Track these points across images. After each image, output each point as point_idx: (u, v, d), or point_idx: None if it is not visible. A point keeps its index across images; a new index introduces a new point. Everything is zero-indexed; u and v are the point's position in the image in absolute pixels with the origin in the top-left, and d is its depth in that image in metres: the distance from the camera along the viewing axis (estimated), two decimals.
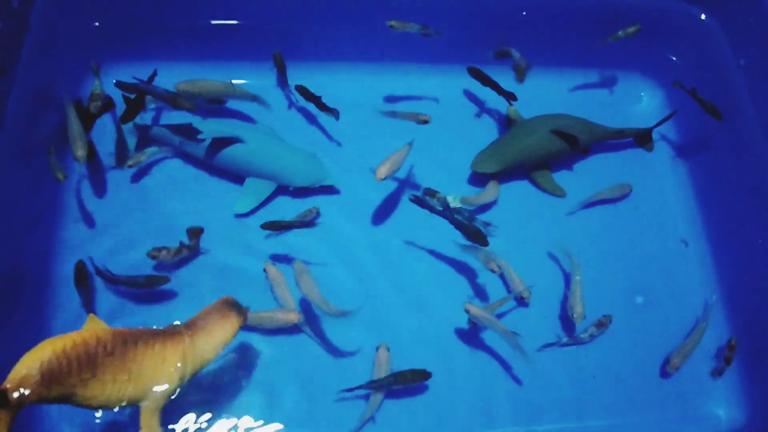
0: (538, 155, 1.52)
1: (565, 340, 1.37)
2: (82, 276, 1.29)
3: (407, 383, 1.25)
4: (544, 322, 1.40)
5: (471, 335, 1.36)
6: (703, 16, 1.62)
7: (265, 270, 1.34)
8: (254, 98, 1.49)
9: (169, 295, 1.33)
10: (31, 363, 0.85)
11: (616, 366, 1.39)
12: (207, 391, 1.27)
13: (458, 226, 1.29)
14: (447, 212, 1.30)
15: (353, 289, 1.38)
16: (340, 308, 1.26)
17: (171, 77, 1.49)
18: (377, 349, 1.29)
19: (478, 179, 1.53)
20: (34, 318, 1.28)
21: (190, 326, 1.01)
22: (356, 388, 1.25)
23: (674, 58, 1.69)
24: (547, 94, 1.65)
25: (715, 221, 1.56)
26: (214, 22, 1.54)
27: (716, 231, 1.55)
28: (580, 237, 1.50)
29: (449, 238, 1.44)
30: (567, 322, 1.40)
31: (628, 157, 1.63)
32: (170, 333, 0.98)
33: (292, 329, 1.31)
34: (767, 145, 1.47)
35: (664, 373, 1.39)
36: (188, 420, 1.24)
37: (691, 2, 1.61)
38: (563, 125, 1.53)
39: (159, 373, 0.95)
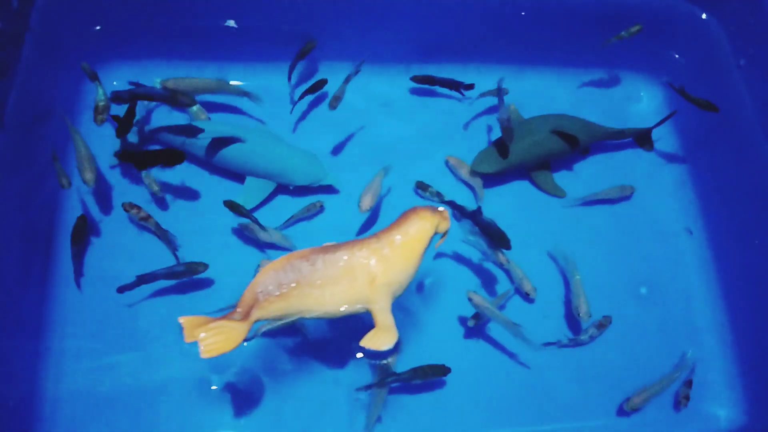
0: (538, 155, 1.52)
1: (564, 341, 1.37)
2: (81, 234, 1.32)
3: (426, 378, 1.26)
4: (545, 321, 1.40)
5: (471, 336, 1.36)
6: (703, 16, 1.62)
7: (259, 266, 1.35)
8: (245, 94, 1.50)
9: (169, 296, 1.34)
10: (255, 286, 0.96)
11: (616, 366, 1.39)
12: (204, 389, 1.27)
13: (485, 228, 1.32)
14: (475, 214, 1.33)
15: None
16: None
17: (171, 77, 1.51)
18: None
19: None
20: (33, 317, 1.29)
21: (384, 230, 1.04)
22: (374, 384, 1.26)
23: (675, 58, 1.68)
24: (547, 94, 1.65)
25: (715, 221, 1.55)
26: (213, 23, 1.54)
27: (716, 231, 1.55)
28: (580, 237, 1.50)
29: (449, 239, 1.44)
30: (567, 321, 1.41)
31: (628, 157, 1.63)
32: (366, 239, 1.02)
33: (292, 330, 1.32)
34: (767, 144, 1.47)
35: (665, 373, 1.39)
36: (178, 417, 1.24)
37: (692, 2, 1.61)
38: (563, 125, 1.53)
39: (358, 273, 0.99)
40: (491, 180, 1.54)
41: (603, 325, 1.38)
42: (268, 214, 1.43)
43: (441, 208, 1.04)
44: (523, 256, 1.43)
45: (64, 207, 1.39)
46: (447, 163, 1.53)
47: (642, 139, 1.64)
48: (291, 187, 1.44)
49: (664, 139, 1.66)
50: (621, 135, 1.60)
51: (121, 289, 1.28)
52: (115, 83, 1.53)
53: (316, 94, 1.54)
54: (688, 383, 1.34)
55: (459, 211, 1.33)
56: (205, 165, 1.47)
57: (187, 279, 1.32)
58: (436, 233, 1.02)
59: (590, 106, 1.65)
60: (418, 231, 1.01)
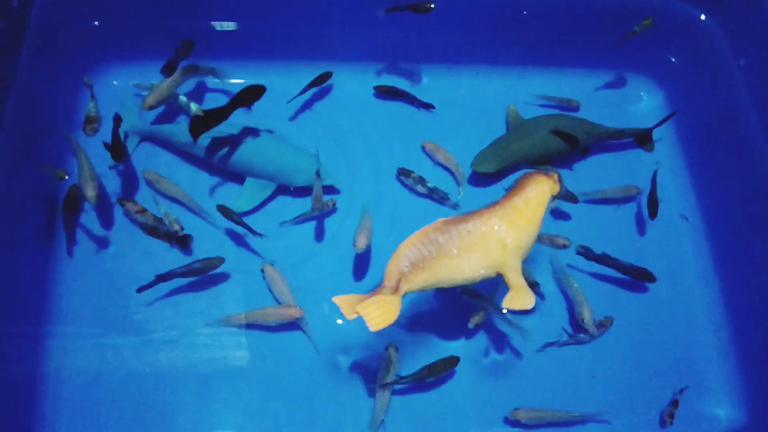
0: (538, 155, 1.52)
1: (564, 339, 1.37)
2: (74, 202, 1.35)
3: (441, 374, 1.27)
4: (546, 321, 1.40)
5: (471, 336, 1.36)
6: (703, 17, 1.62)
7: (262, 270, 1.35)
8: (212, 71, 1.50)
9: (169, 296, 1.34)
10: (398, 261, 1.03)
11: (616, 366, 1.39)
12: (205, 389, 1.27)
13: (624, 269, 1.40)
14: (611, 260, 1.40)
15: (353, 289, 1.38)
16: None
17: None
18: (386, 348, 1.29)
19: (479, 179, 1.53)
20: (33, 316, 1.29)
21: (505, 197, 1.11)
22: (392, 383, 1.26)
23: (674, 59, 1.69)
24: (546, 93, 1.65)
25: (716, 221, 1.55)
26: (213, 22, 1.54)
27: (716, 230, 1.55)
28: (580, 236, 1.50)
29: None
30: (567, 321, 1.40)
31: (628, 157, 1.63)
32: (491, 207, 1.08)
33: (292, 331, 1.32)
34: (767, 144, 1.47)
35: (664, 374, 1.39)
36: (181, 416, 1.24)
37: (691, 2, 1.61)
38: (563, 125, 1.53)
39: (490, 240, 1.05)
40: (491, 179, 1.54)
41: (604, 325, 1.38)
42: (268, 215, 1.43)
43: (552, 172, 1.12)
44: None
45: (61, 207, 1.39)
46: (423, 148, 1.54)
47: (642, 139, 1.64)
48: (291, 188, 1.44)
49: (665, 139, 1.66)
50: (621, 135, 1.60)
51: (140, 290, 1.28)
52: (115, 83, 1.53)
53: (321, 86, 1.55)
54: (674, 403, 1.34)
55: (596, 260, 1.40)
56: (205, 165, 1.47)
57: (205, 275, 1.32)
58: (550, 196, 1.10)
59: (590, 106, 1.65)
60: (537, 195, 1.09)
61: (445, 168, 1.53)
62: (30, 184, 1.32)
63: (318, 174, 1.33)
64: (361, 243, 1.29)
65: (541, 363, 1.36)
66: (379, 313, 0.99)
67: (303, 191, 1.45)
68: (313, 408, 1.28)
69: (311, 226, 1.44)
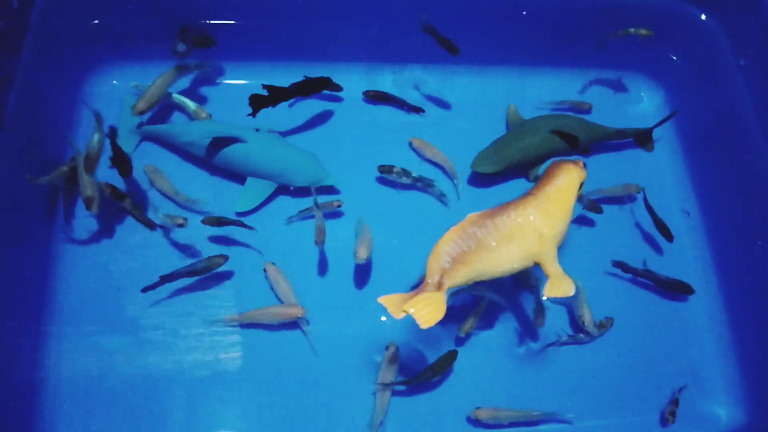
0: (538, 155, 1.52)
1: (564, 339, 1.37)
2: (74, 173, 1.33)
3: (445, 371, 1.27)
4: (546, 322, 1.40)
5: (471, 337, 1.36)
6: (703, 16, 1.62)
7: (265, 270, 1.35)
8: (200, 65, 1.50)
9: (170, 296, 1.34)
10: (438, 257, 1.04)
11: (616, 366, 1.39)
12: (205, 388, 1.27)
13: (662, 283, 1.42)
14: (648, 273, 1.42)
15: (353, 289, 1.38)
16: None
17: None
18: (386, 348, 1.29)
19: (479, 179, 1.53)
20: (31, 315, 1.29)
21: (536, 188, 1.14)
22: (397, 383, 1.26)
23: (674, 58, 1.69)
24: (547, 94, 1.65)
25: (715, 221, 1.56)
26: (213, 21, 1.54)
27: (716, 231, 1.55)
28: (580, 236, 1.50)
29: None
30: (566, 321, 1.41)
31: (628, 157, 1.63)
32: (524, 198, 1.11)
33: (292, 330, 1.32)
34: (767, 145, 1.47)
35: (664, 374, 1.39)
36: (183, 415, 1.24)
37: (691, 2, 1.61)
38: (563, 125, 1.53)
39: (527, 230, 1.08)
40: (491, 180, 1.54)
41: (604, 326, 1.38)
42: (268, 215, 1.43)
43: (577, 159, 1.15)
44: None
45: (62, 207, 1.39)
46: (411, 144, 1.54)
47: (642, 139, 1.64)
48: (291, 188, 1.44)
49: (665, 139, 1.66)
50: (621, 135, 1.60)
51: (145, 290, 1.28)
52: (115, 82, 1.53)
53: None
54: (675, 401, 1.34)
55: (633, 273, 1.43)
56: (205, 165, 1.47)
57: (209, 274, 1.32)
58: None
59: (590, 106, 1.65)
60: (567, 182, 1.12)
61: (435, 164, 1.53)
62: (29, 184, 1.32)
63: (316, 204, 1.31)
64: (362, 253, 1.29)
65: (541, 363, 1.36)
66: (429, 310, 1.00)
67: (303, 191, 1.45)
68: (312, 408, 1.28)
69: (311, 225, 1.44)
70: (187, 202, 1.41)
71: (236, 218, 1.35)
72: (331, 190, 1.48)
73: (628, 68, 1.71)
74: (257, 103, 1.39)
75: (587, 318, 1.34)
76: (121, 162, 1.32)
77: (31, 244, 1.34)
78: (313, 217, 1.40)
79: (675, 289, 1.44)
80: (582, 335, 1.37)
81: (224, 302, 1.34)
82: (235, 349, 1.31)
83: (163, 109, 1.52)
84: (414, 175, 1.46)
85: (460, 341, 1.36)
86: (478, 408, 1.27)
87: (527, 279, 1.38)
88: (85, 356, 1.27)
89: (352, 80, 1.60)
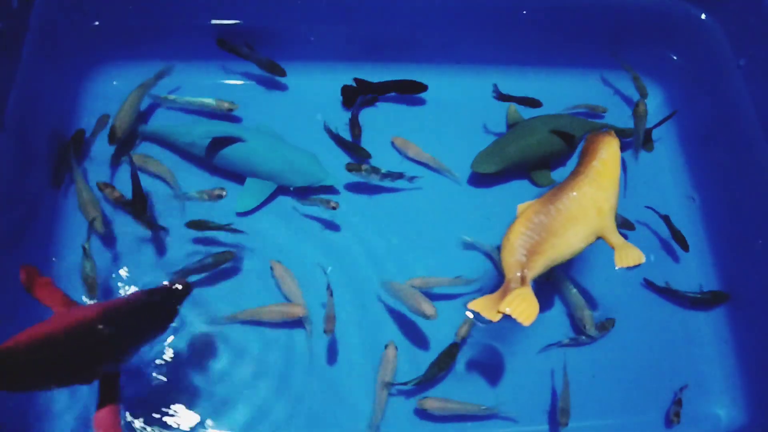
0: (538, 155, 1.52)
1: (565, 341, 1.37)
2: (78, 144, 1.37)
3: (448, 366, 1.28)
4: (545, 321, 1.40)
5: (470, 336, 1.36)
6: (703, 16, 1.62)
7: (271, 268, 1.35)
8: (162, 74, 1.49)
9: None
10: (514, 252, 1.06)
11: (616, 366, 1.39)
12: (204, 387, 1.27)
13: (694, 301, 1.44)
14: (678, 293, 1.43)
15: (353, 289, 1.38)
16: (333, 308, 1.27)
17: (171, 77, 1.51)
18: (385, 347, 1.29)
19: (479, 179, 1.53)
20: (30, 315, 1.28)
21: (581, 165, 1.16)
22: (407, 382, 1.26)
23: (674, 58, 1.69)
24: (547, 94, 1.64)
25: (715, 221, 1.56)
26: (214, 21, 1.54)
27: (716, 231, 1.55)
28: None
29: (450, 238, 1.45)
30: (567, 321, 1.41)
31: (627, 157, 1.63)
32: (574, 177, 1.13)
33: (293, 329, 1.32)
34: (767, 145, 1.47)
35: (664, 374, 1.39)
36: (184, 414, 1.24)
37: (691, 2, 1.61)
38: (563, 125, 1.53)
39: (587, 208, 1.10)
40: (491, 180, 1.54)
41: (605, 327, 1.38)
42: (268, 215, 1.43)
43: (608, 129, 1.20)
44: None
45: (62, 206, 1.39)
46: (393, 144, 1.53)
47: (642, 138, 1.64)
48: (291, 188, 1.44)
49: (664, 139, 1.66)
50: (621, 135, 1.60)
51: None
52: (115, 83, 1.53)
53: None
54: (679, 402, 1.34)
55: (659, 291, 1.45)
56: (205, 165, 1.47)
57: (217, 270, 1.33)
58: None
59: None
60: (611, 154, 1.15)
61: (420, 163, 1.53)
62: (29, 184, 1.32)
63: (330, 292, 1.28)
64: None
65: (541, 363, 1.36)
66: (524, 306, 1.02)
67: (303, 191, 1.45)
68: (312, 408, 1.28)
69: (311, 224, 1.44)
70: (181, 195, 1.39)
71: (223, 225, 1.34)
72: (330, 190, 1.48)
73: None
74: (348, 94, 1.53)
75: (588, 322, 1.33)
76: (138, 204, 1.32)
77: (31, 244, 1.33)
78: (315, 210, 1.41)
79: (710, 303, 1.45)
80: (584, 337, 1.37)
81: (224, 300, 1.33)
82: (235, 348, 1.30)
83: (163, 109, 1.52)
84: (383, 171, 1.42)
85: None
86: (425, 397, 1.26)
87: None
88: None
89: (352, 80, 1.60)
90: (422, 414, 1.29)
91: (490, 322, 1.03)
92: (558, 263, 1.10)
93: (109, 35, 1.52)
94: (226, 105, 1.47)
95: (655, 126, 1.60)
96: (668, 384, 1.39)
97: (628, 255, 1.11)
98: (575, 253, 1.11)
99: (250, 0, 1.52)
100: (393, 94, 1.58)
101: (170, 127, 1.46)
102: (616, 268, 1.11)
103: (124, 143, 1.44)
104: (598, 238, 1.13)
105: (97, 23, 1.51)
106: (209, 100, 1.48)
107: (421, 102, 1.62)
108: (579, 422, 1.32)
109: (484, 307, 1.03)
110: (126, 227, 1.38)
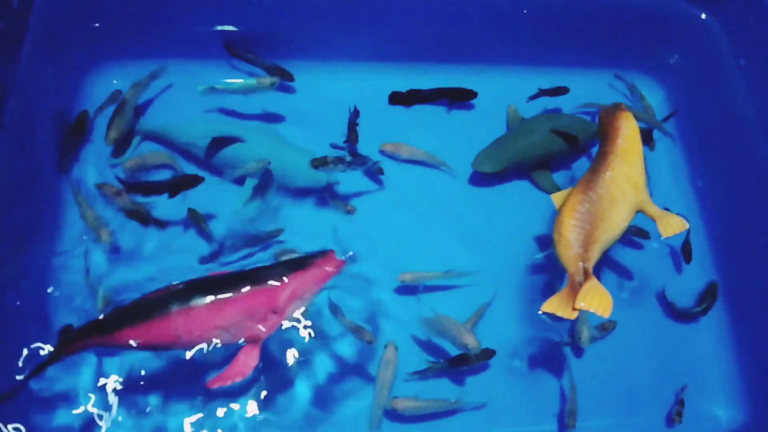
0: (538, 155, 1.52)
1: (565, 340, 1.37)
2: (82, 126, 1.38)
3: (464, 365, 1.28)
4: (545, 322, 1.40)
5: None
6: (703, 16, 1.62)
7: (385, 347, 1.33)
8: (154, 75, 1.47)
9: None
10: (570, 246, 1.08)
11: (616, 366, 1.39)
12: (204, 385, 1.27)
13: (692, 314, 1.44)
14: (697, 312, 1.44)
15: (353, 289, 1.38)
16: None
17: (171, 77, 1.51)
18: (385, 347, 1.29)
19: (479, 179, 1.53)
20: (32, 314, 1.29)
21: (605, 145, 1.18)
22: (420, 371, 1.28)
23: (674, 58, 1.69)
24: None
25: (716, 221, 1.56)
26: (214, 24, 1.54)
27: (716, 231, 1.55)
28: None
29: (450, 239, 1.45)
30: (567, 322, 1.40)
31: None
32: (603, 157, 1.15)
33: (293, 329, 1.32)
34: (767, 145, 1.47)
35: (664, 374, 1.39)
36: (185, 414, 1.24)
37: (691, 2, 1.61)
38: (563, 125, 1.53)
39: (624, 186, 1.13)
40: (491, 180, 1.54)
41: (606, 328, 1.38)
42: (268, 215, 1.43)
43: (619, 103, 1.21)
44: (522, 256, 1.43)
45: (62, 206, 1.39)
46: (384, 152, 1.52)
47: (642, 138, 1.64)
48: (291, 188, 1.44)
49: (664, 138, 1.66)
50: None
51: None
52: (115, 82, 1.53)
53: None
54: (680, 402, 1.34)
55: (679, 313, 1.43)
56: (205, 165, 1.47)
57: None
58: None
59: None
60: (630, 128, 1.17)
61: (416, 162, 1.52)
62: (29, 184, 1.32)
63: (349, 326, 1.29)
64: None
65: (541, 363, 1.36)
66: (599, 299, 1.03)
67: (303, 191, 1.45)
68: (312, 408, 1.28)
69: (309, 223, 1.44)
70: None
71: (209, 230, 1.35)
72: (331, 187, 1.47)
73: (628, 68, 1.71)
74: (395, 99, 1.56)
75: (584, 334, 1.31)
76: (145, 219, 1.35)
77: (31, 244, 1.33)
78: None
79: (706, 310, 1.45)
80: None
81: None
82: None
83: (163, 109, 1.52)
84: (347, 159, 1.38)
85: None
86: (395, 397, 1.25)
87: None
88: (84, 355, 1.27)
89: (352, 81, 1.60)
90: (420, 415, 1.29)
91: (568, 320, 1.06)
92: (611, 244, 1.12)
93: (109, 35, 1.52)
94: (267, 81, 1.46)
95: (662, 121, 1.60)
96: (668, 384, 1.39)
97: (671, 223, 1.13)
98: (622, 233, 1.13)
99: (250, 1, 1.52)
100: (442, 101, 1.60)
101: (170, 126, 1.46)
102: (662, 238, 1.13)
103: (120, 144, 1.44)
104: (637, 212, 1.16)
105: (97, 24, 1.51)
106: (251, 81, 1.47)
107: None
108: (579, 422, 1.32)
109: (558, 307, 1.05)
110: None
